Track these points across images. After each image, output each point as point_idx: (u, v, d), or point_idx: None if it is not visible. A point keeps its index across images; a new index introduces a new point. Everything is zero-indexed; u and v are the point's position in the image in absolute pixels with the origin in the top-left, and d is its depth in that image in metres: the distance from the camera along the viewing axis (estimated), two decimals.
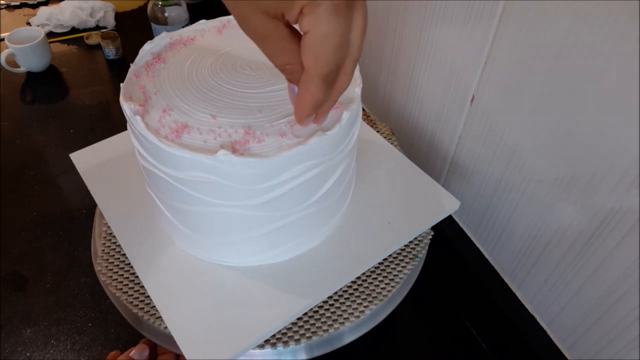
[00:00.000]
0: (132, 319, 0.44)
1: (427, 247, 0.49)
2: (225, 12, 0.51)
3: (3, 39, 0.96)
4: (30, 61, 0.94)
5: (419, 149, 0.65)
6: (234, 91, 0.41)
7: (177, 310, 0.41)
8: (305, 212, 0.42)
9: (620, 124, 0.36)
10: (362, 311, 0.45)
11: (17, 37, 0.92)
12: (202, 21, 0.48)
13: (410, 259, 0.48)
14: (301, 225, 0.43)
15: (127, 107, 0.37)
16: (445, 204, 0.49)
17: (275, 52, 0.29)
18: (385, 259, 0.48)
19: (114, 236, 0.48)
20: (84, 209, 0.70)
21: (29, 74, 0.96)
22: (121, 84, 0.40)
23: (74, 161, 0.53)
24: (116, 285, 0.45)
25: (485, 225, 0.56)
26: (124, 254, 0.47)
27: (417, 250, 0.49)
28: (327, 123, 0.38)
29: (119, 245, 0.48)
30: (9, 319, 0.59)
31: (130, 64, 0.42)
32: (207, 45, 0.46)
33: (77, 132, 0.84)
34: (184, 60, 0.44)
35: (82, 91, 0.93)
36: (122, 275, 0.46)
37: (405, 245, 0.49)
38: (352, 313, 0.44)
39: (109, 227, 0.49)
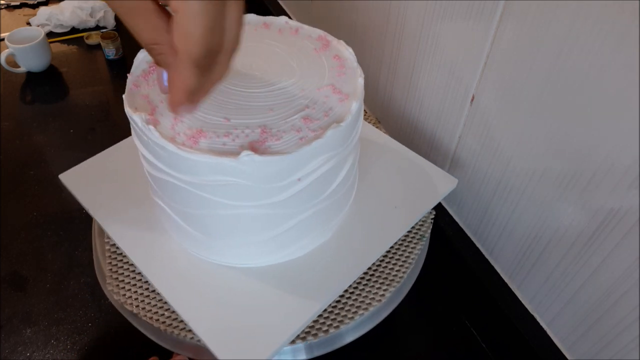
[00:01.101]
0: (153, 332, 0.44)
1: (431, 227, 0.51)
2: None
3: (3, 39, 0.96)
4: (30, 61, 0.94)
5: (419, 149, 0.65)
6: (241, 92, 0.41)
7: (204, 319, 0.41)
8: (321, 205, 0.43)
9: (620, 124, 0.36)
10: (365, 309, 0.45)
11: (17, 37, 0.92)
12: None
13: (417, 239, 0.50)
14: (317, 218, 0.44)
15: (137, 118, 0.37)
16: (445, 183, 0.52)
17: (142, 28, 0.28)
18: (391, 247, 0.49)
19: (119, 254, 0.48)
20: (83, 209, 0.70)
21: (29, 74, 0.96)
22: (123, 96, 0.40)
23: (63, 182, 0.52)
24: (132, 303, 0.44)
25: (485, 225, 0.56)
26: (132, 270, 0.47)
27: (422, 231, 0.51)
28: (339, 114, 0.40)
29: (125, 262, 0.47)
30: (9, 319, 0.58)
31: (128, 75, 0.42)
32: None
33: (77, 132, 0.84)
34: None
35: (82, 91, 0.93)
36: (136, 292, 0.45)
37: (412, 228, 0.51)
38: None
39: (112, 244, 0.48)
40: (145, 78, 0.42)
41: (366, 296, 0.46)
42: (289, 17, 1.01)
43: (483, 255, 0.57)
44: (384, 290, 0.46)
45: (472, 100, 0.52)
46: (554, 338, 0.50)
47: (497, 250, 0.55)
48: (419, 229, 0.51)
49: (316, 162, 0.38)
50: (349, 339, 0.45)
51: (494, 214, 0.54)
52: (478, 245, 0.58)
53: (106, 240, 0.49)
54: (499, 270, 0.56)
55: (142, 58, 0.44)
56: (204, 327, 0.40)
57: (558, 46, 0.39)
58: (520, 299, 0.53)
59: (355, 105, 0.40)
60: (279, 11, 1.00)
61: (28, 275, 0.63)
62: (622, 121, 0.36)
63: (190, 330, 0.43)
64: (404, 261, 0.49)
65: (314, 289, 0.43)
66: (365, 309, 0.45)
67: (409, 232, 0.51)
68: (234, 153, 0.35)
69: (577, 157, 0.41)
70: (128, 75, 0.42)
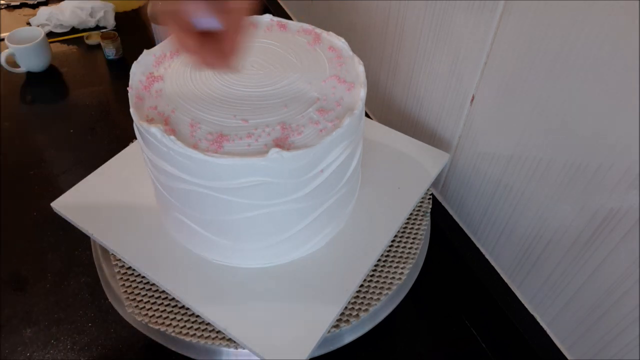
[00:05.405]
0: (184, 347, 0.44)
1: (431, 202, 0.55)
2: None
3: (3, 39, 0.96)
4: (30, 61, 0.94)
5: None
6: (252, 92, 0.41)
7: (241, 324, 0.41)
8: (340, 193, 0.44)
9: (620, 124, 0.36)
10: (366, 310, 0.45)
11: (17, 37, 0.92)
12: None
13: (422, 215, 0.53)
14: (337, 206, 0.45)
15: (155, 130, 0.37)
16: (438, 159, 0.55)
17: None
18: (396, 235, 0.51)
19: (130, 274, 0.47)
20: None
21: (29, 74, 0.96)
22: (131, 110, 0.40)
23: (57, 210, 0.50)
24: (156, 321, 0.44)
25: (485, 225, 0.56)
26: (148, 288, 0.46)
27: (425, 207, 0.54)
28: (350, 102, 0.41)
29: (140, 282, 0.47)
30: (9, 319, 0.58)
31: (128, 89, 0.42)
32: None
33: (77, 132, 0.84)
34: (182, 73, 0.43)
35: (82, 91, 0.93)
36: (157, 309, 0.45)
37: (414, 208, 0.53)
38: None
39: (121, 266, 0.48)
40: (147, 90, 0.42)
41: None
42: (290, 18, 1.01)
43: (483, 255, 0.57)
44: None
45: (472, 100, 0.52)
46: (554, 338, 0.50)
47: (497, 250, 0.55)
48: (420, 207, 0.54)
49: (336, 151, 0.39)
50: (349, 339, 0.45)
51: (494, 214, 0.54)
52: (478, 245, 0.58)
53: (114, 263, 0.48)
54: (499, 270, 0.56)
55: (137, 70, 0.44)
56: (244, 333, 0.40)
57: (558, 46, 0.39)
58: (520, 299, 0.53)
59: (363, 92, 0.41)
60: (280, 11, 1.00)
61: (28, 275, 0.63)
62: (623, 121, 0.36)
63: (223, 338, 0.43)
64: (414, 239, 0.51)
65: (339, 278, 0.44)
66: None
67: (412, 213, 0.53)
68: (262, 152, 0.36)
69: (577, 157, 0.41)
70: (128, 89, 0.42)
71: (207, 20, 0.32)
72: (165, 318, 0.44)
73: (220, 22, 0.32)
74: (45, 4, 1.14)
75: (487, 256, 0.57)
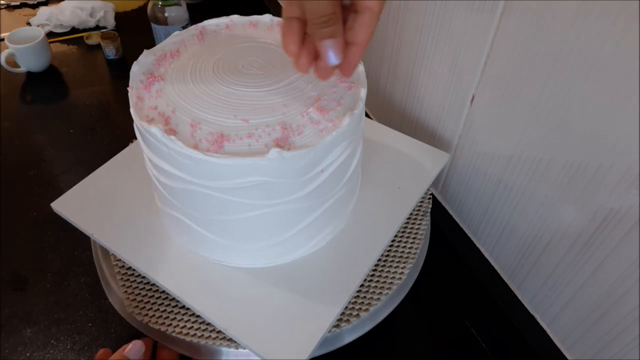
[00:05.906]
0: (183, 347, 0.44)
1: (431, 202, 0.55)
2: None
3: (3, 39, 0.96)
4: (30, 61, 0.94)
5: None
6: (253, 93, 0.41)
7: (242, 325, 0.41)
8: (340, 193, 0.44)
9: (620, 124, 0.36)
10: (366, 310, 0.45)
11: (17, 37, 0.92)
12: (177, 32, 0.48)
13: (422, 215, 0.53)
14: (337, 206, 0.45)
15: (155, 130, 0.37)
16: (438, 159, 0.55)
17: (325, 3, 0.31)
18: (396, 235, 0.51)
19: (131, 274, 0.47)
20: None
21: (29, 74, 0.96)
22: (131, 110, 0.40)
23: (57, 210, 0.50)
24: (157, 321, 0.44)
25: (485, 225, 0.56)
26: (148, 288, 0.46)
27: (425, 206, 0.54)
28: (350, 102, 0.42)
29: (140, 282, 0.47)
30: (9, 319, 0.58)
31: (128, 89, 0.42)
32: (195, 55, 0.46)
33: (77, 132, 0.84)
34: (182, 73, 0.43)
35: (82, 91, 0.93)
36: (158, 309, 0.45)
37: (414, 207, 0.53)
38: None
39: (121, 266, 0.48)
40: (147, 90, 0.42)
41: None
42: None
43: (483, 255, 0.57)
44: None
45: (472, 100, 0.52)
46: (554, 338, 0.50)
47: (497, 250, 0.55)
48: (420, 207, 0.54)
49: (336, 151, 0.39)
50: (349, 338, 0.45)
51: (494, 214, 0.54)
52: (478, 245, 0.58)
53: (114, 263, 0.48)
54: (499, 270, 0.56)
55: (137, 70, 0.44)
56: (244, 333, 0.40)
57: (558, 46, 0.39)
58: (520, 299, 0.53)
59: (363, 91, 0.42)
60: (280, 11, 1.00)
61: (28, 275, 0.63)
62: (623, 121, 0.36)
63: (223, 338, 0.43)
64: (414, 238, 0.51)
65: (340, 278, 0.44)
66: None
67: (412, 213, 0.53)
68: (262, 152, 0.36)
69: (577, 157, 0.41)
70: (128, 89, 0.42)
71: (333, 55, 0.33)
72: (165, 318, 0.44)
73: (342, 57, 0.33)
74: (45, 4, 1.14)
75: (487, 256, 0.57)
